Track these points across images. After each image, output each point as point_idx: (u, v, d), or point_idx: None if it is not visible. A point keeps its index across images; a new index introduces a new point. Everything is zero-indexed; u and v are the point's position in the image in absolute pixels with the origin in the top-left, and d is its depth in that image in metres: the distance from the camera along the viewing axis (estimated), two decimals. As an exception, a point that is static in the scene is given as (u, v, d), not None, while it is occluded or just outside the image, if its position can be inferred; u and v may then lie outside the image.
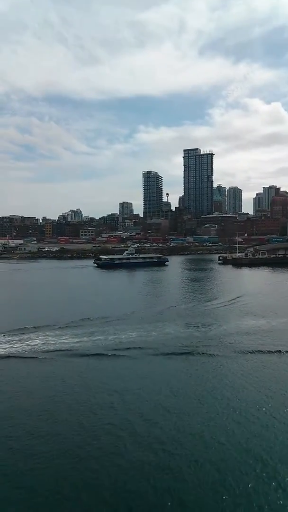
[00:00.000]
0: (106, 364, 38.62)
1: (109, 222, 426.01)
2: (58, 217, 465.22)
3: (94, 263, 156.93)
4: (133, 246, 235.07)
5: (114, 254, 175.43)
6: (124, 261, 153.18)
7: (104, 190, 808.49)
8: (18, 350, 41.92)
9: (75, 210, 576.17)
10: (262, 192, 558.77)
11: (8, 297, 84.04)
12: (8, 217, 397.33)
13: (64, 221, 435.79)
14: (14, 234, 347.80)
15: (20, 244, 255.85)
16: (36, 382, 34.29)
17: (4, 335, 47.11)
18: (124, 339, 45.99)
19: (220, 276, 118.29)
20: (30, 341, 44.97)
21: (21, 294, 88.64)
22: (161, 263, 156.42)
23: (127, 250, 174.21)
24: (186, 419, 27.16)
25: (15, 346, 43.02)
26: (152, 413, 28.00)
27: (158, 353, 41.08)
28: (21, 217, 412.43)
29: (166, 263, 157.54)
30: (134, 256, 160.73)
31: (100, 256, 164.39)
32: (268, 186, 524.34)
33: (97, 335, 47.83)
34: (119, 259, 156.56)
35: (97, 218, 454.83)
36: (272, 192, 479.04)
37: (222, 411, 28.06)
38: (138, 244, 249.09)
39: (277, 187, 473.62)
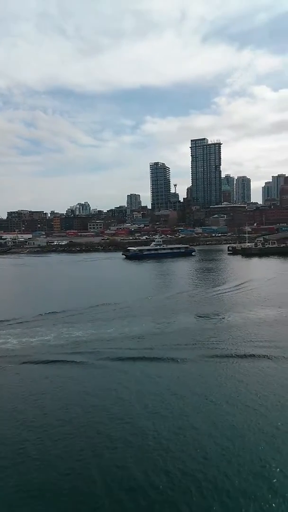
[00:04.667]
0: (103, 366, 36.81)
1: (117, 214, 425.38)
2: (66, 211, 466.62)
3: (122, 254, 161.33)
4: (142, 238, 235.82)
5: (123, 246, 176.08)
6: (153, 252, 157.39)
7: (112, 182, 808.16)
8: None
9: (83, 203, 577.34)
10: (271, 181, 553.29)
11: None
12: (17, 212, 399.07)
13: (72, 215, 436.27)
14: (23, 228, 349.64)
15: (29, 238, 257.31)
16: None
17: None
18: (133, 332, 45.84)
19: (230, 266, 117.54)
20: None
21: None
22: (188, 253, 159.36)
23: (154, 241, 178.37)
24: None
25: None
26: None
27: (165, 353, 38.74)
28: (29, 211, 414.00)
29: (193, 253, 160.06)
30: (162, 247, 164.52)
31: (129, 248, 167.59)
32: (277, 175, 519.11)
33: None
34: (148, 250, 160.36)
35: (105, 211, 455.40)
36: (281, 180, 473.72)
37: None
38: (146, 236, 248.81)
39: (286, 175, 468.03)
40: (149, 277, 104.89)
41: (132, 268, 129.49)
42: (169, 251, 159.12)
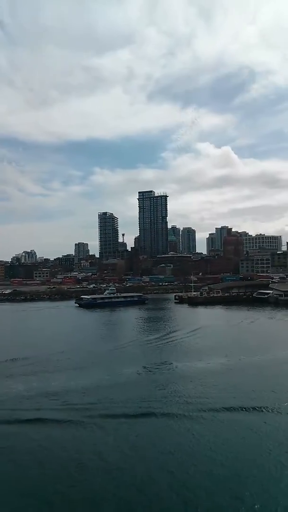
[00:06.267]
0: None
1: (65, 263, 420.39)
2: (11, 259, 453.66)
3: (75, 302, 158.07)
4: (89, 286, 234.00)
5: (70, 295, 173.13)
6: (106, 300, 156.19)
7: (60, 231, 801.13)
8: None
9: (29, 251, 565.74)
10: (214, 232, 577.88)
11: None
12: None
13: (17, 263, 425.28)
14: None
15: None
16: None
17: None
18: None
19: (177, 315, 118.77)
20: None
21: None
22: (142, 301, 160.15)
23: (107, 289, 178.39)
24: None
25: None
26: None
27: (103, 411, 36.39)
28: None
29: (146, 302, 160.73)
30: (115, 295, 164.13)
31: (82, 296, 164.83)
32: (220, 227, 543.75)
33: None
34: (102, 298, 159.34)
35: (52, 259, 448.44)
36: (224, 232, 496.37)
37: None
38: (94, 285, 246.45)
39: (229, 227, 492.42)
40: (101, 326, 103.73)
41: (86, 317, 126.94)
42: (122, 299, 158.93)
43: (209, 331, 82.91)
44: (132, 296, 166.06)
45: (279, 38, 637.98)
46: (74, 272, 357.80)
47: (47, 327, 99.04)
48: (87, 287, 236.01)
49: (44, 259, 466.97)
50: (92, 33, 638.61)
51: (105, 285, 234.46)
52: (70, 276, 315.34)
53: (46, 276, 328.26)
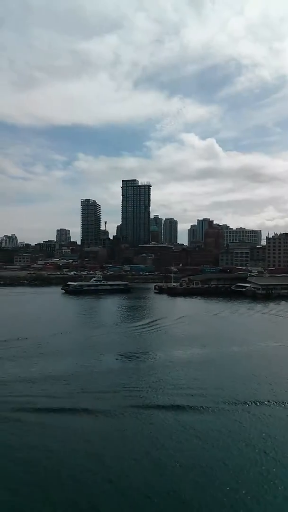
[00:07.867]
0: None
1: (46, 248, 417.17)
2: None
3: (62, 289, 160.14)
4: (70, 273, 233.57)
5: (50, 281, 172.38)
6: (93, 287, 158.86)
7: (41, 216, 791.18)
8: None
9: (10, 235, 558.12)
10: (196, 224, 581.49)
11: None
12: None
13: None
14: None
15: None
16: None
17: None
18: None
19: (157, 305, 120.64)
20: None
21: None
22: (128, 290, 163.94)
23: (94, 277, 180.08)
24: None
25: None
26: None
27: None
28: None
29: (132, 291, 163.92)
30: (102, 283, 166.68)
31: (69, 283, 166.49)
32: (202, 219, 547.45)
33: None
34: (88, 285, 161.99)
35: (33, 244, 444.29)
36: (205, 224, 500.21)
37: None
38: (74, 272, 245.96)
39: (210, 219, 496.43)
40: (89, 312, 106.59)
41: (74, 303, 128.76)
42: (108, 287, 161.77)
43: (187, 321, 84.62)
44: (118, 285, 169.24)
45: (265, 31, 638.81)
46: (55, 258, 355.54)
47: (40, 313, 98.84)
48: (67, 274, 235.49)
49: (25, 244, 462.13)
50: (80, 16, 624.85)
51: (85, 273, 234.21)
52: (51, 262, 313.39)
53: (27, 261, 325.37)
